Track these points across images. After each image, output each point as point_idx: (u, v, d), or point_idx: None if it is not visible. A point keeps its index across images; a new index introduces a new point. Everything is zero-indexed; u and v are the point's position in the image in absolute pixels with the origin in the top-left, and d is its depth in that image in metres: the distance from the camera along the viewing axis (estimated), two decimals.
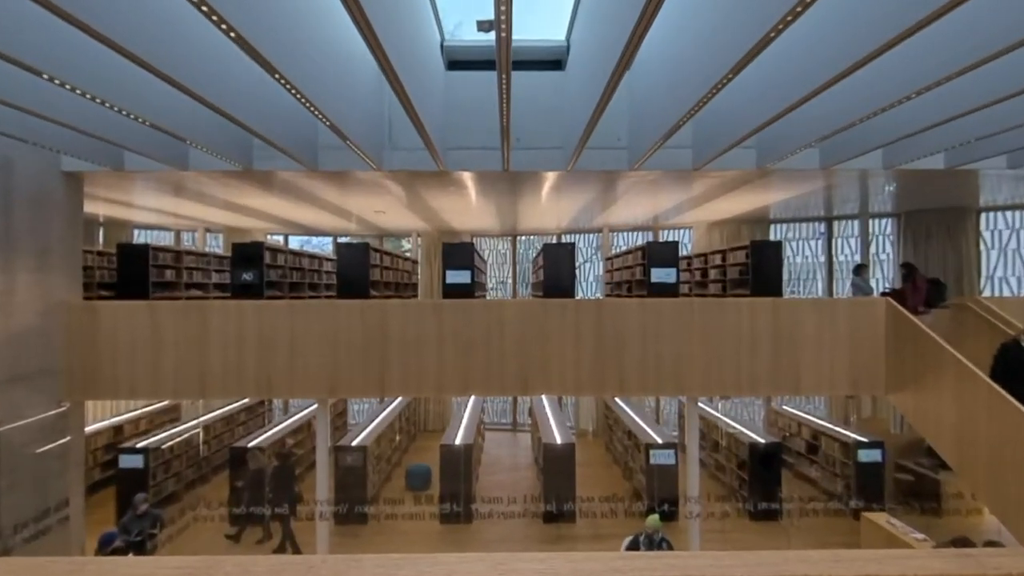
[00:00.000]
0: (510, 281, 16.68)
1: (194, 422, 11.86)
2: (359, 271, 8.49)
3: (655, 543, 6.66)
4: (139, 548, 7.07)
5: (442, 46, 7.38)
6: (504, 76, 4.99)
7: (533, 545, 8.81)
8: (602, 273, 14.87)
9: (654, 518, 6.80)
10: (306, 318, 7.48)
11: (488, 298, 14.55)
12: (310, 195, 9.99)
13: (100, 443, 11.24)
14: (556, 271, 8.62)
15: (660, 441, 10.14)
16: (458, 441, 10.23)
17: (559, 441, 10.16)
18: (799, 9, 3.55)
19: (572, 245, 8.80)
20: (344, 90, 5.92)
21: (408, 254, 14.89)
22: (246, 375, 7.39)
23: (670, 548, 6.84)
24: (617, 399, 13.78)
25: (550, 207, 12.02)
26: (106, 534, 7.01)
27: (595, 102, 5.47)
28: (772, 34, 3.86)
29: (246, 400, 13.43)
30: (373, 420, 12.20)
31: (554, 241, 15.95)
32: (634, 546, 6.73)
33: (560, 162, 7.68)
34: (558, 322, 7.58)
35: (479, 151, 7.65)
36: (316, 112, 5.31)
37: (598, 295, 15.73)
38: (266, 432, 11.34)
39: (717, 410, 13.03)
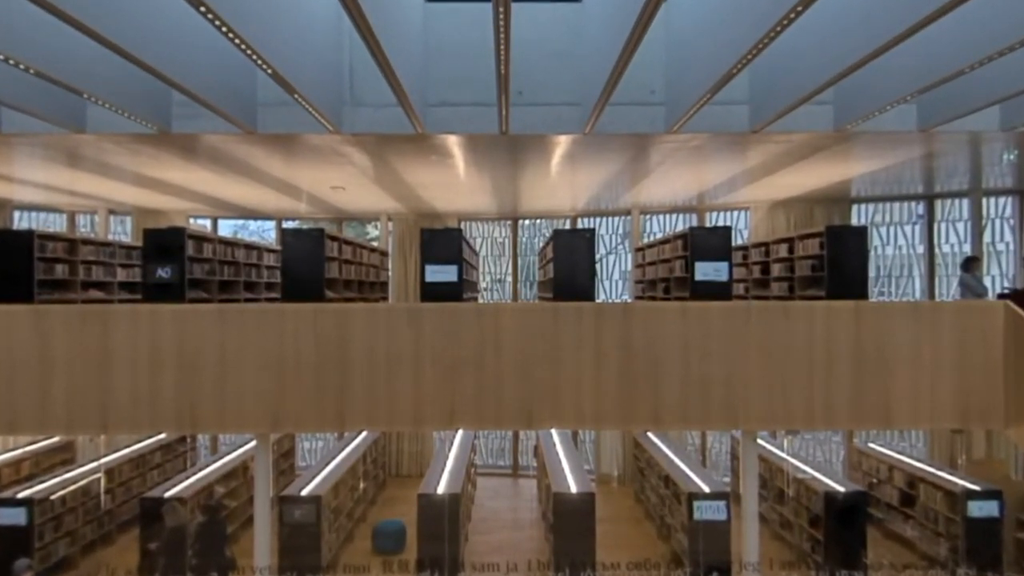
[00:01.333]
0: (510, 279, 16.73)
1: (93, 464, 11.89)
2: (311, 266, 8.50)
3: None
4: None
5: None
6: (502, 9, 5.01)
7: None
8: (631, 268, 14.90)
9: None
10: (241, 328, 7.49)
11: (481, 301, 14.58)
12: (246, 166, 10.03)
13: None
14: (570, 266, 8.63)
15: (708, 490, 10.16)
16: (441, 489, 10.25)
17: (574, 490, 10.18)
18: None
19: (591, 232, 8.81)
20: (293, 29, 5.95)
21: (376, 243, 14.93)
22: (162, 404, 7.39)
23: None
24: (651, 435, 13.80)
25: (562, 182, 12.05)
26: None
27: (622, 43, 5.49)
28: None
29: (162, 436, 13.46)
30: (329, 463, 12.23)
31: (568, 227, 15.99)
32: None
33: (575, 123, 7.70)
34: (573, 333, 7.58)
35: (469, 108, 7.68)
36: (255, 57, 5.34)
37: (625, 297, 15.78)
38: (188, 478, 11.37)
39: (782, 449, 13.06)
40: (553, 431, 13.67)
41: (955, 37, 5.65)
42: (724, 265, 8.50)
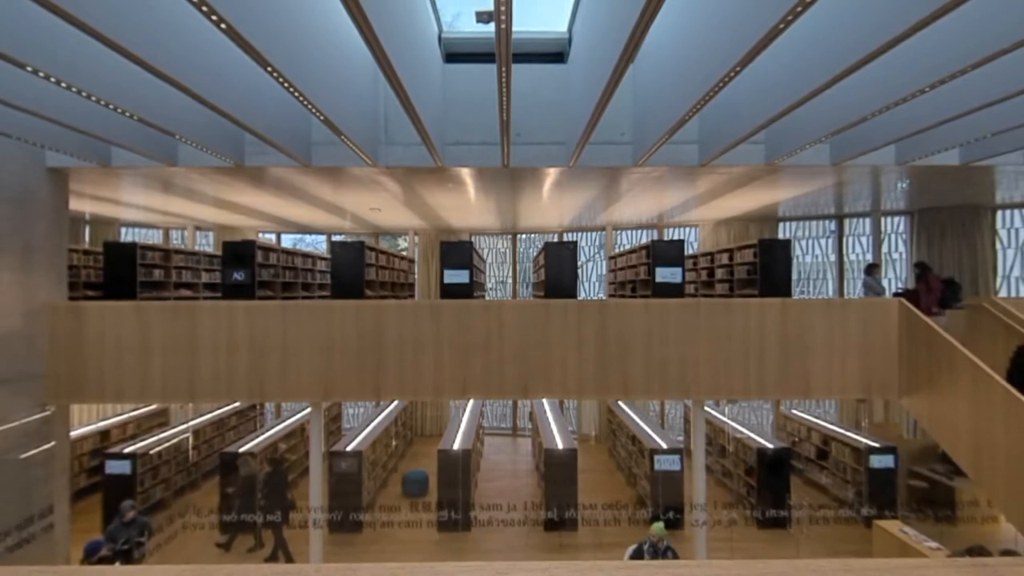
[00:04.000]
0: (510, 281, 16.68)
1: (183, 426, 11.87)
2: (354, 270, 8.50)
3: (660, 552, 6.67)
4: (126, 557, 7.08)
5: (440, 38, 7.39)
6: (504, 69, 4.99)
7: (534, 554, 8.81)
8: (605, 273, 14.87)
9: (659, 526, 6.81)
10: (299, 319, 7.48)
11: (487, 298, 14.53)
12: (303, 192, 10.00)
13: (86, 448, 11.25)
14: (558, 270, 8.62)
15: (665, 446, 10.15)
16: (456, 446, 10.23)
17: (561, 446, 10.16)
18: (808, 0, 3.55)
19: (574, 244, 8.80)
20: (339, 83, 5.92)
21: (405, 253, 14.90)
22: (237, 378, 7.40)
23: (675, 557, 6.84)
24: (620, 403, 13.78)
25: (552, 205, 12.02)
26: (92, 542, 7.02)
27: (598, 96, 5.47)
28: (781, 25, 3.87)
29: (237, 404, 13.44)
30: (368, 425, 12.21)
31: (556, 240, 15.95)
32: (638, 555, 6.73)
33: (562, 158, 7.68)
34: (560, 323, 7.59)
35: (478, 147, 7.65)
36: (309, 106, 5.32)
37: (601, 296, 15.73)
38: (258, 437, 11.35)
39: (724, 415, 13.03)
40: (544, 400, 13.65)
41: (860, 90, 5.62)
42: (678, 270, 8.48)
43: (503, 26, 4.16)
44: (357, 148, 6.72)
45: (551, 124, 7.66)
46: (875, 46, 4.20)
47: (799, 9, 3.66)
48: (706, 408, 12.23)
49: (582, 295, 15.58)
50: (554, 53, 7.63)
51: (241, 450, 10.23)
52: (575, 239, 15.78)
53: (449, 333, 7.51)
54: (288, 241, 16.32)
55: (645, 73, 6.91)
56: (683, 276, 8.51)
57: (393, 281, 11.53)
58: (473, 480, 10.77)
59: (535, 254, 15.42)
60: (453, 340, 7.50)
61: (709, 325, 7.59)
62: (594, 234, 16.09)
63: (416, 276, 15.05)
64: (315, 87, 5.19)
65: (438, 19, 7.22)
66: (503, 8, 3.92)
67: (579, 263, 14.83)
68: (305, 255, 11.94)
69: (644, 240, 14.18)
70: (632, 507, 10.15)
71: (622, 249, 14.02)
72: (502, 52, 4.61)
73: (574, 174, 8.45)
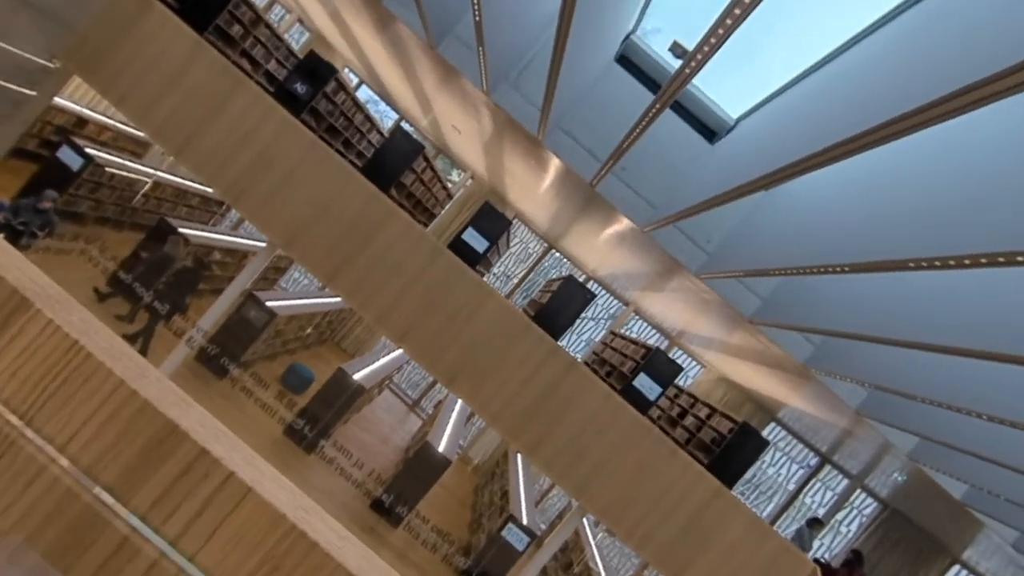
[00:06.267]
0: (515, 281, 16.69)
1: (150, 170, 11.85)
2: (397, 163, 8.47)
3: None
4: (13, 235, 7.08)
5: (626, 37, 7.39)
6: (657, 106, 4.99)
7: (345, 517, 8.81)
8: (597, 340, 14.86)
9: None
10: (319, 165, 7.46)
11: (485, 280, 14.55)
12: (410, 65, 10.00)
13: (56, 120, 11.21)
14: (560, 306, 8.61)
15: (525, 522, 10.15)
16: (357, 376, 10.23)
17: (440, 448, 10.16)
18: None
19: (592, 295, 8.80)
20: (514, 3, 5.92)
21: (450, 185, 14.90)
22: (229, 166, 7.37)
23: None
24: (520, 459, 13.77)
25: (601, 248, 12.02)
26: None
27: (719, 193, 5.47)
28: (914, 263, 3.87)
29: (211, 190, 13.44)
30: (300, 299, 12.21)
31: (582, 279, 15.95)
32: None
33: (643, 217, 7.67)
34: (526, 350, 7.56)
35: (583, 151, 7.66)
36: (476, 2, 5.31)
37: (579, 356, 15.73)
38: (203, 232, 11.34)
39: (594, 538, 13.02)
40: (460, 402, 13.65)
41: (959, 378, 5.63)
42: (659, 390, 8.47)
43: (687, 71, 4.17)
44: (484, 67, 6.72)
45: (658, 183, 7.66)
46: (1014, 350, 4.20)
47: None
48: (585, 521, 12.23)
49: (564, 342, 15.58)
50: (709, 128, 7.63)
51: (181, 229, 10.22)
52: (596, 292, 15.79)
53: (429, 282, 7.48)
54: (364, 94, 16.29)
55: (769, 205, 6.91)
56: (658, 398, 8.50)
57: (420, 200, 11.51)
58: (347, 417, 10.77)
59: (553, 275, 15.42)
60: (428, 291, 7.47)
61: (644, 455, 7.58)
62: (614, 301, 16.10)
63: (442, 212, 15.05)
64: None
65: (639, 20, 7.23)
66: (696, 60, 3.92)
67: (583, 314, 14.84)
68: (368, 117, 11.92)
69: (653, 341, 14.18)
70: (456, 549, 10.13)
71: (627, 333, 14.01)
72: (667, 91, 4.61)
73: (640, 240, 8.45)
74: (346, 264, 7.45)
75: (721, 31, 3.62)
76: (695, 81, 4.34)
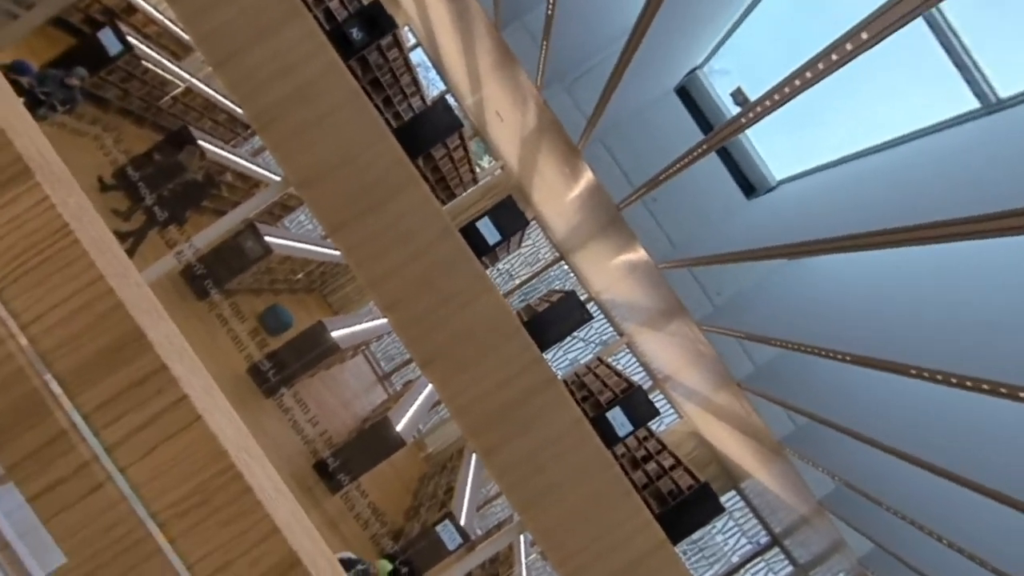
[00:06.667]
0: (516, 283, 16.70)
1: (186, 75, 11.84)
2: (430, 135, 8.47)
3: (361, 574, 6.71)
4: (34, 103, 7.08)
5: (692, 71, 7.38)
6: (704, 147, 4.99)
7: (286, 471, 8.81)
8: (581, 363, 14.86)
9: (385, 565, 6.83)
10: (355, 114, 7.43)
11: (487, 272, 14.55)
12: (470, 41, 9.99)
13: (107, 0, 11.18)
14: (553, 321, 8.62)
15: (463, 522, 10.14)
16: (335, 334, 10.24)
17: (398, 428, 10.17)
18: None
19: (589, 318, 8.81)
20: (590, 6, 5.92)
21: (478, 170, 14.90)
22: (265, 92, 7.33)
23: None
24: (473, 460, 13.76)
25: (610, 273, 12.02)
26: (23, 62, 7.01)
27: (743, 250, 5.47)
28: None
29: (239, 110, 13.42)
30: (300, 243, 12.21)
31: (583, 297, 15.96)
32: (347, 565, 6.74)
33: (660, 253, 7.67)
34: (507, 352, 7.54)
35: (618, 171, 7.65)
36: None
37: (560, 373, 15.72)
38: (222, 150, 11.33)
39: (527, 560, 13.00)
40: (430, 386, 13.65)
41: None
42: (631, 428, 8.47)
43: (743, 120, 4.16)
44: (543, 63, 6.72)
45: (684, 223, 7.65)
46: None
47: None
48: (521, 538, 12.23)
49: (549, 355, 15.58)
50: (749, 181, 7.62)
51: (200, 141, 10.22)
52: (594, 314, 15.78)
53: (432, 260, 7.47)
54: (417, 57, 16.29)
55: (788, 273, 6.91)
56: (627, 436, 8.50)
57: (445, 176, 11.52)
58: (315, 371, 10.78)
59: (556, 286, 15.42)
60: (428, 269, 7.46)
61: (598, 489, 7.56)
62: (609, 328, 16.10)
63: (463, 194, 15.04)
64: None
65: (709, 58, 7.22)
66: (755, 112, 3.92)
67: (575, 333, 14.84)
68: (415, 80, 11.91)
69: (635, 377, 14.18)
70: (388, 531, 10.14)
71: (614, 363, 14.01)
72: (718, 135, 4.61)
73: (652, 275, 8.45)
74: (354, 220, 7.44)
75: (787, 90, 3.62)
76: (747, 132, 4.34)
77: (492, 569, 11.96)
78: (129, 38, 10.08)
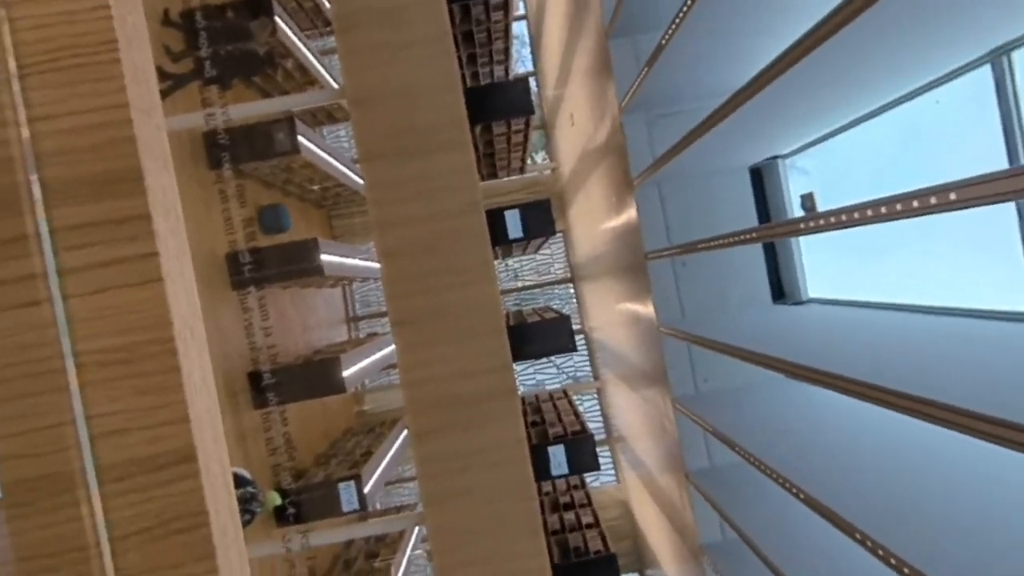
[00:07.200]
0: (518, 285, 16.72)
1: None
2: (500, 109, 8.49)
3: (246, 500, 6.77)
4: None
5: (773, 157, 7.39)
6: (754, 235, 4.99)
7: (219, 367, 8.82)
8: (546, 388, 14.87)
9: (275, 497, 6.86)
10: (435, 57, 7.42)
11: (495, 263, 14.56)
12: (578, 35, 10.00)
13: None
14: (538, 337, 8.63)
15: (366, 490, 10.15)
16: (325, 257, 10.24)
17: (345, 375, 10.18)
18: None
19: (573, 349, 8.84)
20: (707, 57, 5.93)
21: (531, 164, 14.90)
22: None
23: (248, 514, 6.90)
24: (403, 435, 13.79)
25: (612, 314, 12.04)
26: None
27: (748, 350, 5.48)
28: None
29: (327, 4, 13.41)
30: (329, 155, 12.16)
31: (576, 326, 15.96)
32: (238, 483, 6.78)
33: (668, 317, 7.68)
34: (480, 347, 7.54)
35: (662, 221, 7.68)
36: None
37: (522, 388, 15.76)
38: (294, 34, 11.30)
39: (411, 552, 13.02)
40: (392, 347, 13.65)
41: None
42: (566, 472, 8.48)
43: (800, 226, 4.17)
44: (636, 87, 6.72)
45: (703, 298, 7.67)
46: None
47: None
48: (415, 531, 12.26)
49: (520, 367, 15.60)
50: (781, 286, 7.64)
51: (277, 18, 10.19)
52: (579, 348, 15.78)
53: (447, 228, 7.45)
54: (517, 30, 16.29)
55: (779, 389, 6.92)
56: (560, 477, 8.51)
57: (494, 153, 11.53)
58: (289, 284, 10.80)
59: (555, 304, 15.45)
60: (438, 236, 7.43)
61: (509, 515, 7.56)
62: (587, 367, 16.12)
63: (504, 179, 15.04)
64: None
65: (794, 152, 7.23)
66: (816, 223, 3.92)
67: (553, 357, 14.86)
68: (507, 50, 11.90)
69: (591, 424, 14.19)
70: (293, 467, 10.10)
71: (577, 401, 14.01)
72: (770, 230, 4.61)
73: (650, 335, 8.46)
74: (391, 157, 7.44)
75: (856, 216, 3.62)
76: (800, 238, 4.35)
77: (374, 547, 11.97)
78: None
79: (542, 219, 8.41)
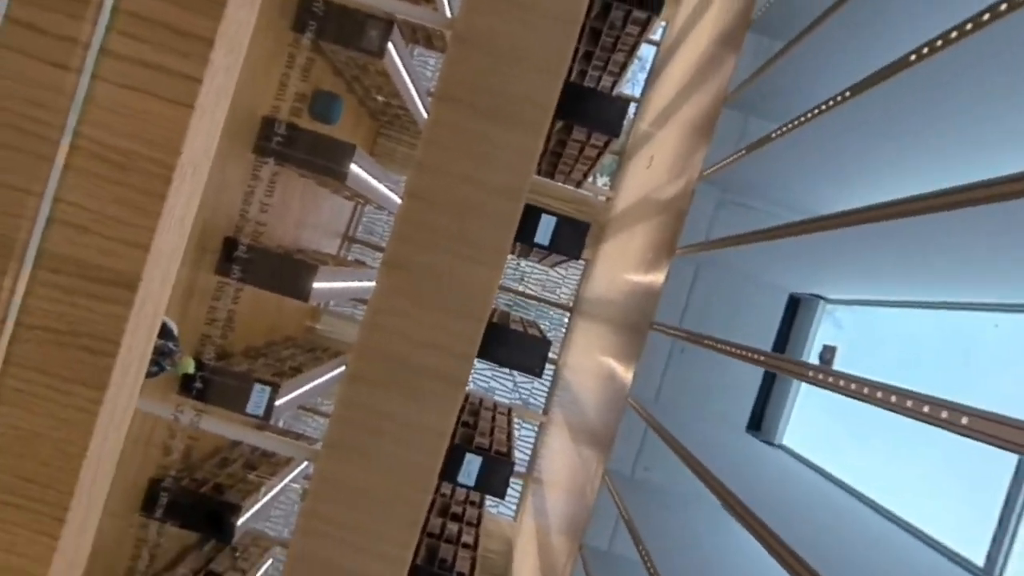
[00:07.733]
0: (519, 289, 16.72)
1: None
2: (589, 119, 8.55)
3: (163, 355, 6.85)
4: None
5: (817, 295, 7.39)
6: (762, 359, 5.00)
7: (201, 220, 8.82)
8: (492, 397, 14.89)
9: (188, 364, 6.92)
10: (555, 38, 7.44)
11: (508, 259, 14.59)
12: (698, 86, 10.01)
13: None
14: (512, 346, 8.64)
15: (277, 404, 10.14)
16: (354, 168, 10.26)
17: (314, 287, 10.19)
18: None
19: (539, 375, 8.84)
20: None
21: (590, 182, 14.88)
22: None
23: (166, 362, 6.95)
24: (337, 371, 13.80)
25: (591, 362, 12.05)
26: None
27: (699, 463, 5.48)
28: None
29: None
30: (409, 74, 12.14)
31: (553, 356, 15.98)
32: (164, 332, 6.87)
33: (641, 391, 7.68)
34: (457, 328, 7.56)
35: (683, 298, 7.70)
36: None
37: (471, 386, 15.76)
38: None
39: (291, 483, 13.01)
40: (372, 283, 13.66)
41: None
42: (472, 485, 8.48)
43: (809, 374, 4.17)
44: (725, 163, 6.73)
45: (678, 394, 7.70)
46: None
47: None
48: (304, 466, 12.23)
49: (480, 366, 15.61)
50: (763, 422, 7.64)
51: None
52: (544, 376, 15.80)
53: (483, 202, 7.43)
54: (645, 52, 16.27)
55: (712, 522, 6.91)
56: (464, 488, 8.52)
57: (561, 155, 11.52)
58: (309, 176, 10.83)
59: (544, 324, 15.47)
60: (469, 207, 7.43)
61: (399, 497, 7.58)
62: (541, 398, 16.13)
63: (558, 183, 15.05)
64: None
65: (838, 303, 7.24)
66: (826, 379, 3.92)
67: (516, 373, 14.85)
68: (623, 67, 11.91)
69: (518, 455, 14.19)
70: (219, 347, 10.09)
71: (517, 426, 14.03)
72: (780, 364, 4.61)
73: (614, 399, 8.48)
74: (464, 106, 7.44)
75: (865, 391, 3.62)
76: (802, 385, 4.35)
77: (256, 460, 11.96)
78: None
79: (574, 240, 8.41)
